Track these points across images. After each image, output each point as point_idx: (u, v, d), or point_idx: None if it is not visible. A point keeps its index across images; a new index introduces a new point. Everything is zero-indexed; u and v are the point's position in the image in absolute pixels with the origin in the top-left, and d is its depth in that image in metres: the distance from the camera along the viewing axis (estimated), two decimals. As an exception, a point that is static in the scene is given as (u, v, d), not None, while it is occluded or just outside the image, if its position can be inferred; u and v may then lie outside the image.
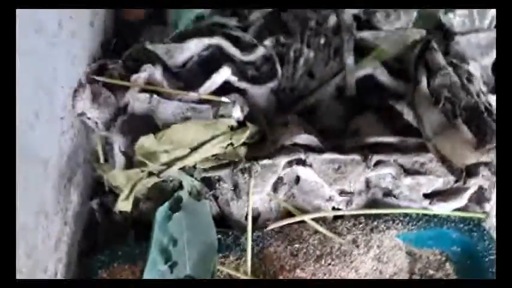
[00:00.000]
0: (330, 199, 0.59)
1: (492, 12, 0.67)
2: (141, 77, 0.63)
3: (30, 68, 0.47)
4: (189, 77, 0.68)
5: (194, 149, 0.57)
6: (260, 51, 0.67)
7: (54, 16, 0.54)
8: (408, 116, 0.60)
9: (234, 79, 0.66)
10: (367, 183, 0.61)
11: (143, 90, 0.63)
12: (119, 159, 0.63)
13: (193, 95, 0.62)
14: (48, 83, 0.52)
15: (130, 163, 0.62)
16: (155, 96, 0.61)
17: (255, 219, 0.60)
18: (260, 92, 0.67)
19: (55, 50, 0.54)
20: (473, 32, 0.65)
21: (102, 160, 0.63)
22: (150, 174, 0.57)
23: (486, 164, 0.54)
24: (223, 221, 0.61)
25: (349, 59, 0.64)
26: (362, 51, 0.66)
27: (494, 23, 0.68)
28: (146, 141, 0.56)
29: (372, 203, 0.61)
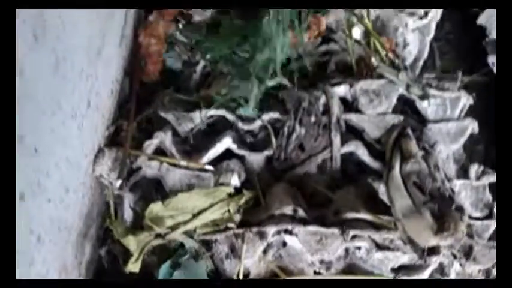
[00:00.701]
0: (312, 264, 0.68)
1: (463, 101, 0.77)
2: (153, 143, 0.72)
3: (62, 148, 0.56)
4: (196, 141, 0.77)
5: (196, 215, 0.66)
6: (258, 122, 0.76)
7: (84, 97, 0.62)
8: (383, 195, 0.69)
9: (234, 146, 0.75)
10: (346, 250, 0.70)
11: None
12: (128, 214, 0.71)
13: (196, 165, 0.70)
14: (75, 156, 0.61)
15: (137, 218, 0.70)
16: (165, 164, 0.70)
17: (246, 276, 0.69)
18: (257, 159, 0.76)
19: (83, 128, 0.62)
20: (445, 121, 0.74)
21: (112, 214, 0.72)
22: (157, 236, 0.65)
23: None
24: (217, 277, 0.70)
25: (336, 137, 0.73)
26: (347, 130, 0.75)
27: (465, 111, 0.78)
28: (155, 207, 0.65)
29: (350, 268, 0.69)
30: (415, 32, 0.89)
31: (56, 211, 0.53)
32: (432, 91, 0.75)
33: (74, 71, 0.58)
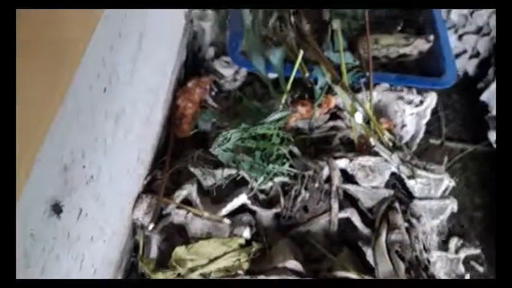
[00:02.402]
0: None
1: (446, 183, 0.89)
2: (181, 194, 0.86)
3: (118, 196, 0.70)
4: (217, 194, 0.90)
5: (212, 261, 0.79)
6: (270, 183, 0.89)
7: (135, 154, 0.77)
8: (369, 258, 0.81)
9: (248, 202, 0.88)
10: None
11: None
12: (154, 252, 0.85)
13: (216, 217, 0.84)
14: (122, 202, 0.75)
15: (162, 257, 0.84)
16: (190, 213, 0.83)
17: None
18: (266, 215, 0.89)
19: (132, 179, 0.77)
20: (429, 199, 0.87)
21: (141, 252, 0.85)
22: (178, 275, 0.78)
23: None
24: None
25: (335, 203, 0.86)
26: (345, 197, 0.88)
27: (448, 191, 0.90)
28: (179, 250, 0.78)
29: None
30: (413, 115, 1.03)
31: (105, 248, 0.67)
32: (420, 172, 0.88)
33: (132, 134, 0.74)
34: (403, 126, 1.03)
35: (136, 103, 0.75)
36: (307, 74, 0.96)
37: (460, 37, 1.82)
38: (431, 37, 1.01)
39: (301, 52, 0.94)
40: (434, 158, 1.91)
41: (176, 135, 1.01)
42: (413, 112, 1.00)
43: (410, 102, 0.99)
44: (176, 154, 0.98)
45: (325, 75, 0.95)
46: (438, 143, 2.00)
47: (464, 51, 1.87)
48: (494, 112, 1.75)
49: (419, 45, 1.01)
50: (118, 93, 0.65)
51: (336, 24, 1.03)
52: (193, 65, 1.18)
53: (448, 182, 0.88)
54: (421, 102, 0.99)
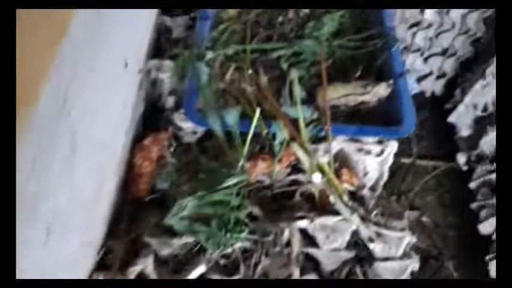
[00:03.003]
0: None
1: (407, 240, 0.88)
2: (136, 270, 0.82)
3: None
4: (176, 264, 0.87)
5: None
6: (230, 249, 0.87)
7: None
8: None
9: (207, 273, 0.85)
10: None
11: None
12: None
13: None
14: None
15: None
16: (145, 291, 0.80)
17: None
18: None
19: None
20: (390, 260, 0.85)
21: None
22: None
23: None
24: None
25: (296, 270, 0.84)
26: (307, 259, 0.86)
27: (409, 248, 0.89)
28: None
29: None
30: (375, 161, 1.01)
31: None
32: (380, 230, 0.86)
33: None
34: (366, 173, 1.01)
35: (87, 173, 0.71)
36: (265, 131, 0.93)
37: (426, 59, 1.82)
38: (391, 83, 0.99)
39: (258, 110, 0.91)
40: (405, 179, 1.92)
41: (133, 195, 0.97)
42: (374, 162, 0.98)
43: (370, 153, 0.97)
44: (133, 217, 0.94)
45: (283, 131, 0.93)
46: (410, 162, 2.00)
47: (431, 73, 1.87)
48: (462, 133, 1.76)
49: (379, 92, 0.99)
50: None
51: (293, 74, 1.01)
52: (152, 116, 1.14)
53: (410, 239, 0.87)
54: (382, 151, 0.98)
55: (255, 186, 0.95)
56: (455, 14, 1.65)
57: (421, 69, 1.86)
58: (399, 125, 0.95)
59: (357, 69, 1.05)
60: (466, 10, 1.65)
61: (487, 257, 1.42)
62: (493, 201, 1.47)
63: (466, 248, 1.71)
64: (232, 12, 1.15)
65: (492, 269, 1.39)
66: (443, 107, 2.02)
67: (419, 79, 1.91)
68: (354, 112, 1.01)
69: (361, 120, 1.00)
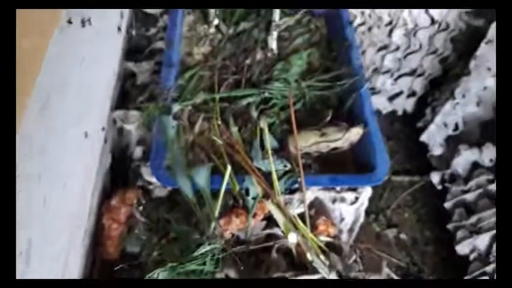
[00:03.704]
0: None
1: None
2: None
3: None
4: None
5: None
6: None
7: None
8: None
9: None
10: None
11: None
12: None
13: None
14: None
15: None
16: None
17: None
18: None
19: None
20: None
21: None
22: None
23: None
24: None
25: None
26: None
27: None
28: None
29: None
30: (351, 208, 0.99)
31: None
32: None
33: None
34: (342, 219, 0.99)
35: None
36: (237, 188, 0.90)
37: (395, 80, 1.82)
38: (362, 127, 0.97)
39: (229, 168, 0.88)
40: (382, 196, 1.92)
41: (103, 258, 0.93)
42: (350, 209, 0.96)
43: (345, 201, 0.95)
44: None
45: (256, 186, 0.89)
46: (386, 178, 1.99)
47: (401, 92, 1.87)
48: (434, 152, 1.77)
49: (351, 138, 0.97)
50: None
51: (263, 123, 0.98)
52: (121, 166, 1.09)
53: None
54: (356, 198, 0.96)
55: (229, 250, 0.91)
56: (423, 35, 1.65)
57: (391, 89, 1.86)
58: (372, 171, 0.93)
59: (327, 111, 1.03)
60: (433, 31, 1.65)
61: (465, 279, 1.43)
62: (469, 221, 1.48)
63: (444, 265, 1.72)
64: (198, 56, 1.11)
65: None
66: (414, 125, 2.03)
67: (391, 98, 1.92)
68: (327, 159, 0.98)
69: (334, 166, 0.98)
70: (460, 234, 1.54)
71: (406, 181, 2.11)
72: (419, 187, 2.07)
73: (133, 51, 1.21)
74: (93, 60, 0.88)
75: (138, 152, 1.07)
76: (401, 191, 2.12)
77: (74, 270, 0.84)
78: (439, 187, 1.73)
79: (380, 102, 1.90)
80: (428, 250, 1.91)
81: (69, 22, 0.60)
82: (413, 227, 1.98)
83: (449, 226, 1.60)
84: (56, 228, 0.67)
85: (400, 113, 1.96)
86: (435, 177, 1.69)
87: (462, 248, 1.49)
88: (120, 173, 1.07)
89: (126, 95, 1.16)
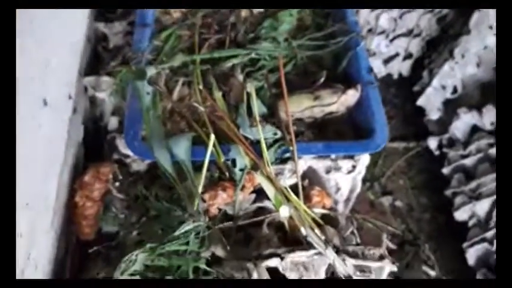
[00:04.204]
0: None
1: (387, 269, 0.79)
2: None
3: None
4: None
5: None
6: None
7: None
8: None
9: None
10: None
11: None
12: None
13: None
14: None
15: None
16: None
17: None
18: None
19: None
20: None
21: None
22: None
23: None
24: None
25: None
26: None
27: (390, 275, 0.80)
28: None
29: None
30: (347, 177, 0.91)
31: None
32: (358, 262, 0.77)
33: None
34: (338, 190, 0.91)
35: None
36: (222, 159, 0.80)
37: (391, 41, 1.71)
38: (359, 88, 0.88)
39: (213, 136, 0.78)
40: (377, 163, 1.85)
41: (78, 239, 0.84)
42: (346, 178, 0.88)
43: (341, 170, 0.86)
44: (80, 266, 0.81)
45: (243, 156, 0.80)
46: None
47: (397, 54, 1.77)
48: (432, 116, 1.68)
49: (347, 101, 0.88)
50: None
51: (250, 87, 0.87)
52: (96, 139, 0.99)
53: (390, 268, 0.78)
54: (354, 167, 0.87)
55: (217, 218, 0.83)
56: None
57: (386, 51, 1.75)
58: (370, 137, 0.84)
59: (321, 73, 0.92)
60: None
61: (464, 245, 1.38)
62: (468, 187, 1.41)
63: (442, 232, 1.67)
64: (176, 14, 0.99)
65: (469, 256, 1.35)
66: (411, 88, 1.94)
67: (386, 61, 1.81)
68: (321, 124, 0.89)
69: (330, 133, 0.89)
70: (458, 200, 1.48)
71: (402, 147, 2.04)
72: (415, 153, 1.99)
73: (104, 10, 1.08)
74: (56, 19, 0.77)
75: (113, 122, 0.97)
76: (397, 157, 2.05)
77: (45, 254, 0.75)
78: (437, 152, 1.66)
79: (375, 66, 1.79)
80: (424, 217, 1.86)
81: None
82: (409, 194, 1.92)
83: (447, 192, 1.54)
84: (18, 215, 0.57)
85: (395, 76, 1.86)
86: (432, 143, 1.62)
87: (461, 214, 1.44)
88: (94, 146, 0.98)
89: (97, 59, 1.04)
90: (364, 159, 0.88)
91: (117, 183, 0.87)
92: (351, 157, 0.87)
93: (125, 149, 0.89)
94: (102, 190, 0.85)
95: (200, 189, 0.78)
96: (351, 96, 0.87)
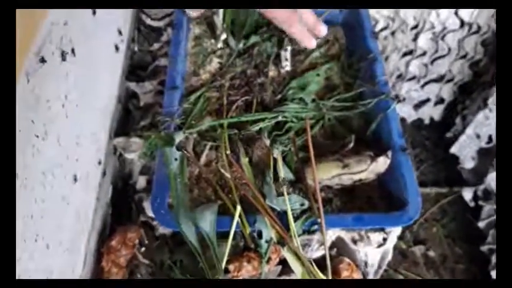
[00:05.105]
0: None
1: None
2: None
3: None
4: None
5: None
6: None
7: None
8: None
9: None
10: None
11: None
12: None
13: None
14: None
15: None
16: None
17: None
18: None
19: None
20: None
21: None
22: None
23: None
24: None
25: None
26: None
27: None
28: None
29: None
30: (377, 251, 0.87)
31: None
32: None
33: None
34: (366, 264, 0.87)
35: None
36: (248, 230, 0.78)
37: (422, 87, 1.67)
38: (390, 155, 0.84)
39: (239, 208, 0.77)
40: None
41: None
42: (376, 252, 0.84)
43: (371, 243, 0.83)
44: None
45: (269, 228, 0.78)
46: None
47: (428, 99, 1.73)
48: (466, 165, 1.61)
49: (377, 168, 0.84)
50: None
51: (276, 153, 0.86)
52: (123, 196, 1.00)
53: None
54: (384, 239, 0.83)
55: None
56: (451, 38, 1.49)
57: (417, 97, 1.71)
58: (403, 208, 0.80)
59: (349, 136, 0.90)
60: (463, 34, 1.49)
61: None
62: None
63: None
64: (205, 76, 1.00)
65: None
66: (442, 133, 1.88)
67: (416, 106, 1.77)
68: (350, 191, 0.86)
69: (359, 200, 0.85)
70: (495, 258, 1.39)
71: (434, 193, 1.96)
72: (449, 200, 1.92)
73: (135, 69, 1.10)
74: (88, 86, 0.78)
75: (141, 182, 0.97)
76: (429, 203, 1.98)
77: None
78: (472, 204, 1.58)
79: (405, 111, 1.75)
80: (458, 268, 1.77)
81: (42, 61, 0.49)
82: (442, 243, 1.84)
83: (484, 248, 1.45)
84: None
85: (427, 121, 1.81)
86: (467, 194, 1.54)
87: (499, 274, 1.34)
88: (122, 205, 0.98)
89: (128, 117, 1.06)
90: (396, 231, 0.84)
91: (143, 249, 0.86)
92: (382, 229, 0.83)
93: (151, 213, 0.88)
94: (128, 256, 0.84)
95: (225, 260, 0.76)
96: (382, 164, 0.84)
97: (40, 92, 0.50)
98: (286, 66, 1.01)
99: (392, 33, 1.47)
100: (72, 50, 0.63)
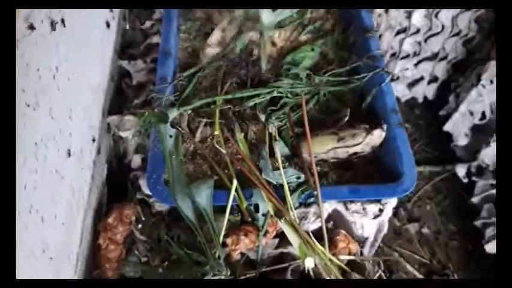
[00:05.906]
0: None
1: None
2: None
3: None
4: None
5: None
6: None
7: None
8: None
9: None
10: None
11: None
12: None
13: None
14: None
15: None
16: None
17: None
18: None
19: None
20: None
21: None
22: None
23: None
24: None
25: None
26: None
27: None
28: None
29: None
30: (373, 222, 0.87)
31: None
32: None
33: None
34: (363, 237, 0.87)
35: None
36: (245, 204, 0.78)
37: (415, 65, 1.67)
38: (385, 128, 0.84)
39: (235, 182, 0.76)
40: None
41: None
42: (373, 223, 0.84)
43: (367, 214, 0.83)
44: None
45: (266, 201, 0.78)
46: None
47: (422, 78, 1.72)
48: (459, 142, 1.62)
49: (372, 141, 0.84)
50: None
51: (272, 129, 0.85)
52: (119, 175, 0.99)
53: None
54: (380, 210, 0.83)
55: (239, 264, 0.81)
56: (445, 15, 1.48)
57: (411, 75, 1.70)
58: (398, 180, 0.80)
59: (344, 110, 0.89)
60: (457, 11, 1.48)
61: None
62: (499, 219, 1.34)
63: (470, 261, 1.60)
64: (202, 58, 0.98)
65: None
66: (436, 111, 1.88)
67: (410, 84, 1.76)
68: (345, 165, 0.86)
69: (355, 174, 0.85)
70: (489, 231, 1.41)
71: (427, 171, 1.97)
72: (442, 178, 1.93)
73: (127, 47, 1.09)
74: (80, 63, 0.77)
75: (136, 160, 0.96)
76: (423, 182, 1.99)
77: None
78: (465, 180, 1.59)
79: (399, 90, 1.75)
80: (452, 245, 1.79)
81: (31, 27, 0.48)
82: (436, 220, 1.85)
83: (477, 223, 1.47)
84: (42, 264, 0.57)
85: (420, 100, 1.81)
86: (461, 170, 1.55)
87: (492, 247, 1.36)
88: (117, 184, 0.97)
89: (121, 96, 1.04)
90: (392, 203, 0.84)
91: (139, 225, 0.86)
92: (378, 201, 0.83)
93: (147, 190, 0.88)
94: (125, 232, 0.84)
95: (222, 234, 0.76)
96: (377, 137, 0.84)
97: (30, 59, 0.49)
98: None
99: (386, 11, 1.45)
100: (62, 21, 0.61)
